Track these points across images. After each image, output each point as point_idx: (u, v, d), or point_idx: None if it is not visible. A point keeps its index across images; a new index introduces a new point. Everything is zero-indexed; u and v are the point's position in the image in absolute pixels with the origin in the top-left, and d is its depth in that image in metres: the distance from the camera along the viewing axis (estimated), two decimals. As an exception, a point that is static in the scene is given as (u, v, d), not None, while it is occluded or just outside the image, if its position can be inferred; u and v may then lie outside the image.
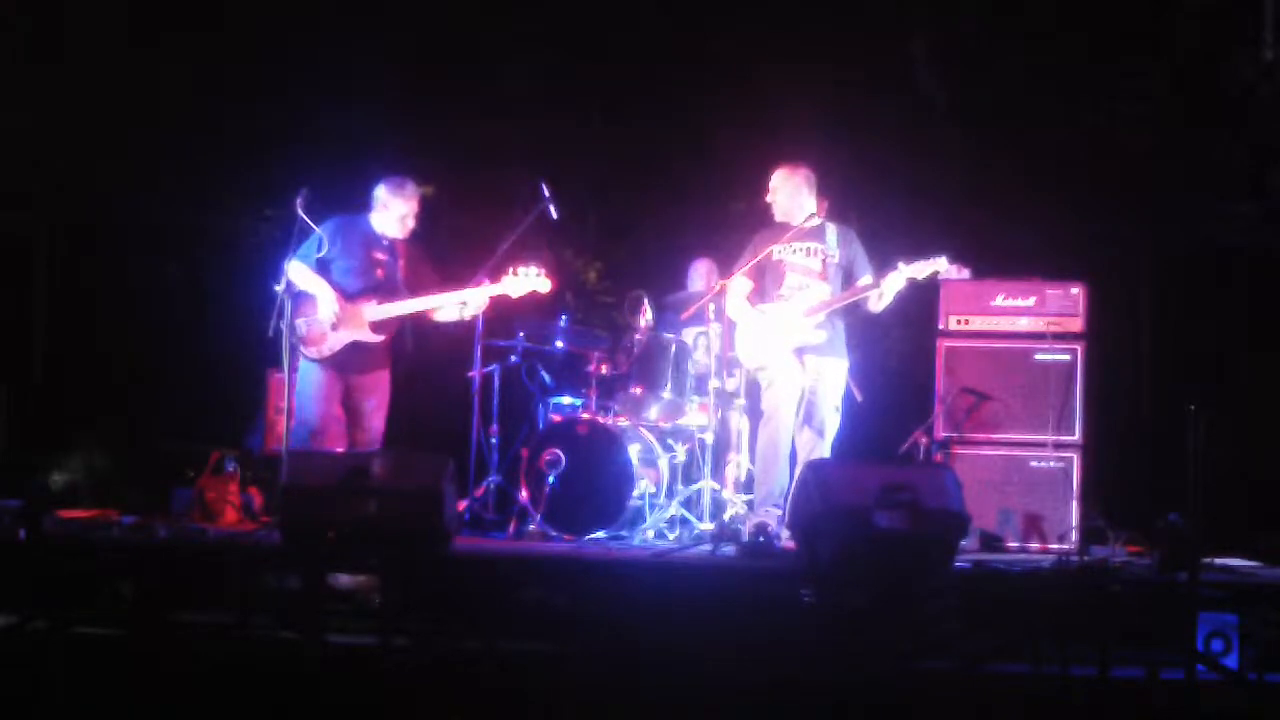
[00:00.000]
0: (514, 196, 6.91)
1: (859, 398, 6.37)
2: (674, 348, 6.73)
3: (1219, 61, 7.22)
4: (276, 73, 7.69)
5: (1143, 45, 7.32)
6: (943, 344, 6.47)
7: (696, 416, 6.71)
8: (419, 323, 6.33)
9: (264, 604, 4.93)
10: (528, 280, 6.23)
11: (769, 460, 6.11)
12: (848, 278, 6.25)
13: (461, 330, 6.73)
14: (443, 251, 6.24)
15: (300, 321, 6.05)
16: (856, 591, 4.80)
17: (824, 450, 6.14)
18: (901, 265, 6.03)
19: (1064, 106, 7.39)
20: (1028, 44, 7.45)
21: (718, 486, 6.44)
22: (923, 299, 6.42)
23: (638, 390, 6.76)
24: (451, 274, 6.43)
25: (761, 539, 5.73)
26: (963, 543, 5.12)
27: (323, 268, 6.11)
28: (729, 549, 5.73)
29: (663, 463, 6.60)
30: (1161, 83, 7.31)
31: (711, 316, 6.43)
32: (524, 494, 6.46)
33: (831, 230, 6.26)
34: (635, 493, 6.36)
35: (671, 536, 6.38)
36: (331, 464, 5.22)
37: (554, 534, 6.32)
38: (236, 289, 7.22)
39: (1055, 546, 6.12)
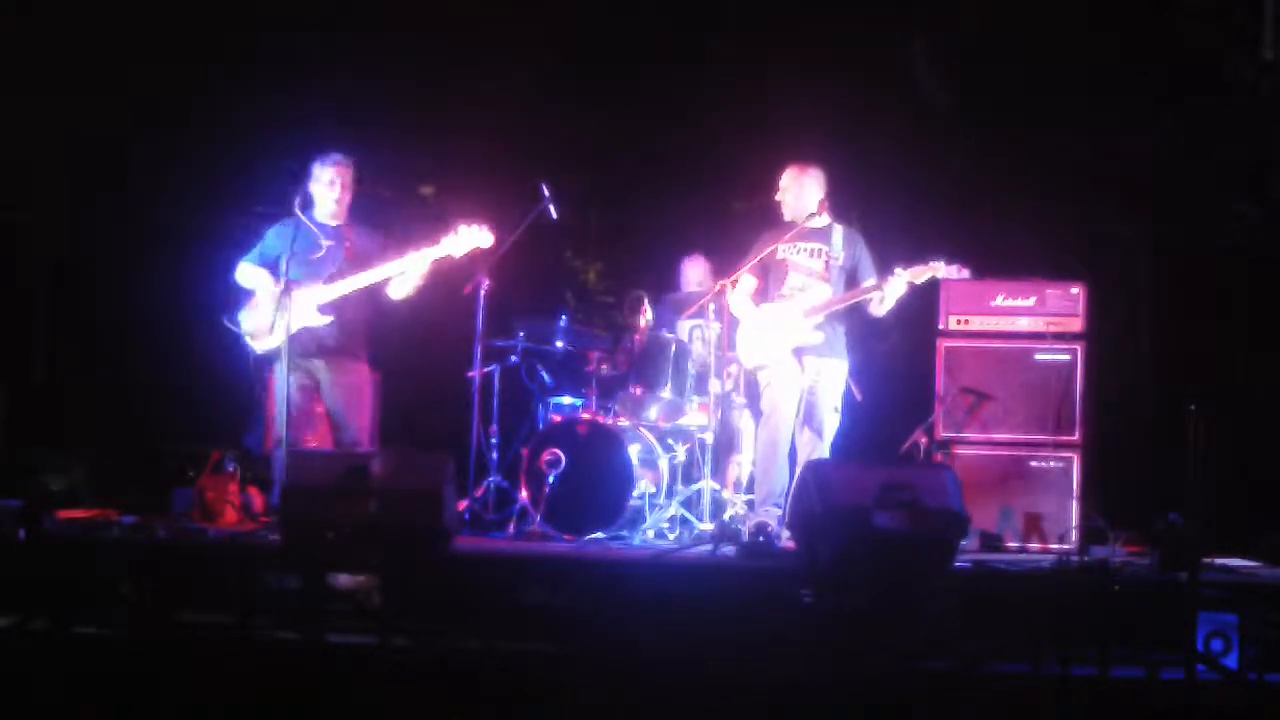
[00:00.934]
0: (514, 197, 6.90)
1: (859, 397, 6.38)
2: (674, 347, 6.73)
3: (1219, 61, 7.22)
4: (275, 71, 7.69)
5: (1143, 45, 7.32)
6: (943, 344, 6.47)
7: (696, 416, 6.71)
8: (381, 304, 6.18)
9: (264, 604, 4.93)
10: (469, 237, 6.03)
11: (768, 460, 6.12)
12: (851, 280, 6.25)
13: (461, 330, 6.74)
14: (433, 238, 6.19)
15: (242, 314, 6.05)
16: (856, 591, 4.81)
17: (823, 450, 6.15)
18: (899, 270, 6.04)
19: (1064, 106, 7.39)
20: (1028, 44, 7.45)
21: (718, 486, 6.44)
22: (923, 299, 6.42)
23: (638, 390, 6.76)
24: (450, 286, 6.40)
25: (761, 539, 5.73)
26: (963, 543, 5.12)
27: (270, 267, 6.07)
28: (729, 549, 5.73)
29: (663, 463, 6.60)
30: (1161, 83, 7.30)
31: (712, 315, 6.43)
32: (524, 494, 6.46)
33: (838, 232, 6.26)
34: (635, 493, 6.36)
35: (671, 536, 6.38)
36: (331, 464, 5.22)
37: (554, 534, 6.32)
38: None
39: (1055, 546, 6.12)
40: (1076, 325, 6.42)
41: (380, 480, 5.03)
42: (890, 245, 6.34)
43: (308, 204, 6.13)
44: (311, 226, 6.12)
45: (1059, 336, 6.41)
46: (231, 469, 6.74)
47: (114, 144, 7.69)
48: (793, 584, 4.97)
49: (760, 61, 7.71)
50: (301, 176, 6.19)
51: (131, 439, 7.47)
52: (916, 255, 6.10)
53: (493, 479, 6.77)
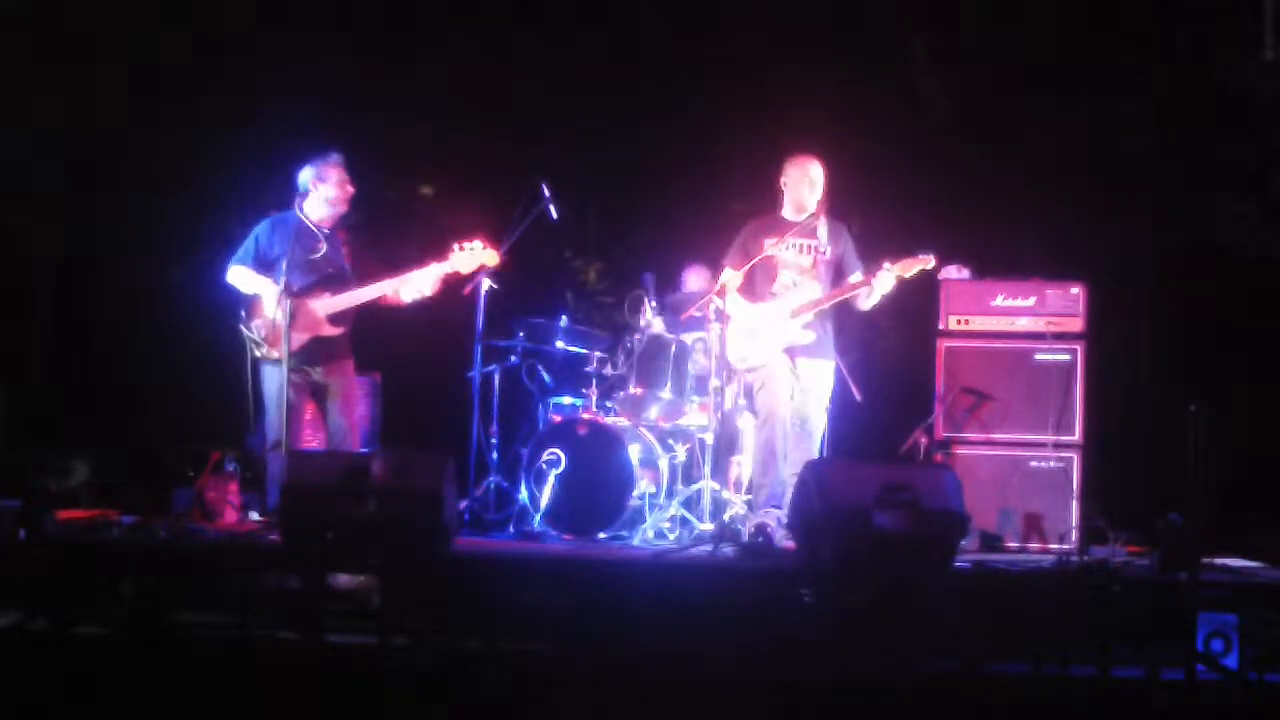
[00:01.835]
0: (514, 197, 6.90)
1: (858, 397, 6.36)
2: (674, 348, 6.73)
3: (1219, 61, 7.22)
4: (277, 72, 7.68)
5: (1143, 45, 7.32)
6: (943, 344, 6.48)
7: (696, 416, 6.72)
8: (378, 309, 6.22)
9: (264, 604, 4.93)
10: (475, 255, 6.10)
11: (766, 460, 6.11)
12: (838, 274, 6.24)
13: (461, 330, 6.73)
14: (442, 252, 6.19)
15: (256, 324, 6.06)
16: (856, 591, 4.81)
17: (813, 450, 6.13)
18: (887, 264, 6.02)
19: (1064, 106, 7.39)
20: (1028, 44, 7.45)
21: (718, 486, 6.43)
22: (923, 299, 6.42)
23: (638, 390, 6.76)
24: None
25: (761, 539, 5.74)
26: (963, 543, 5.12)
27: (267, 269, 6.07)
28: (729, 549, 5.73)
29: (663, 463, 6.60)
30: (1161, 83, 7.30)
31: (712, 317, 6.42)
32: (524, 494, 6.46)
33: (824, 225, 6.23)
34: (635, 493, 6.36)
35: (671, 536, 6.37)
36: (331, 464, 5.22)
37: (554, 534, 6.32)
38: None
39: (1055, 546, 6.12)
40: (1076, 325, 6.42)
41: (380, 480, 5.03)
42: (889, 245, 6.33)
43: (304, 203, 6.13)
44: (310, 226, 6.13)
45: (1059, 336, 6.41)
46: (231, 469, 6.75)
47: (114, 144, 7.68)
48: (793, 584, 4.97)
49: (761, 62, 7.70)
50: (297, 174, 6.19)
51: (131, 439, 7.47)
52: (913, 253, 6.08)
53: (493, 479, 6.77)
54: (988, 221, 7.35)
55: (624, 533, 6.38)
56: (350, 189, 6.20)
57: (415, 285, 6.09)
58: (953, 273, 6.14)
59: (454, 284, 6.32)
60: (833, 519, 4.89)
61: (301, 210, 6.15)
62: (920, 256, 6.02)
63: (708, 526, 6.22)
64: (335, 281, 6.12)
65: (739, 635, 4.68)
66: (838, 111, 7.38)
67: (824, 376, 6.19)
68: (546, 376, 7.15)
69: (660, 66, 7.96)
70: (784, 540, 5.74)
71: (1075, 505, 6.23)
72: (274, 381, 6.02)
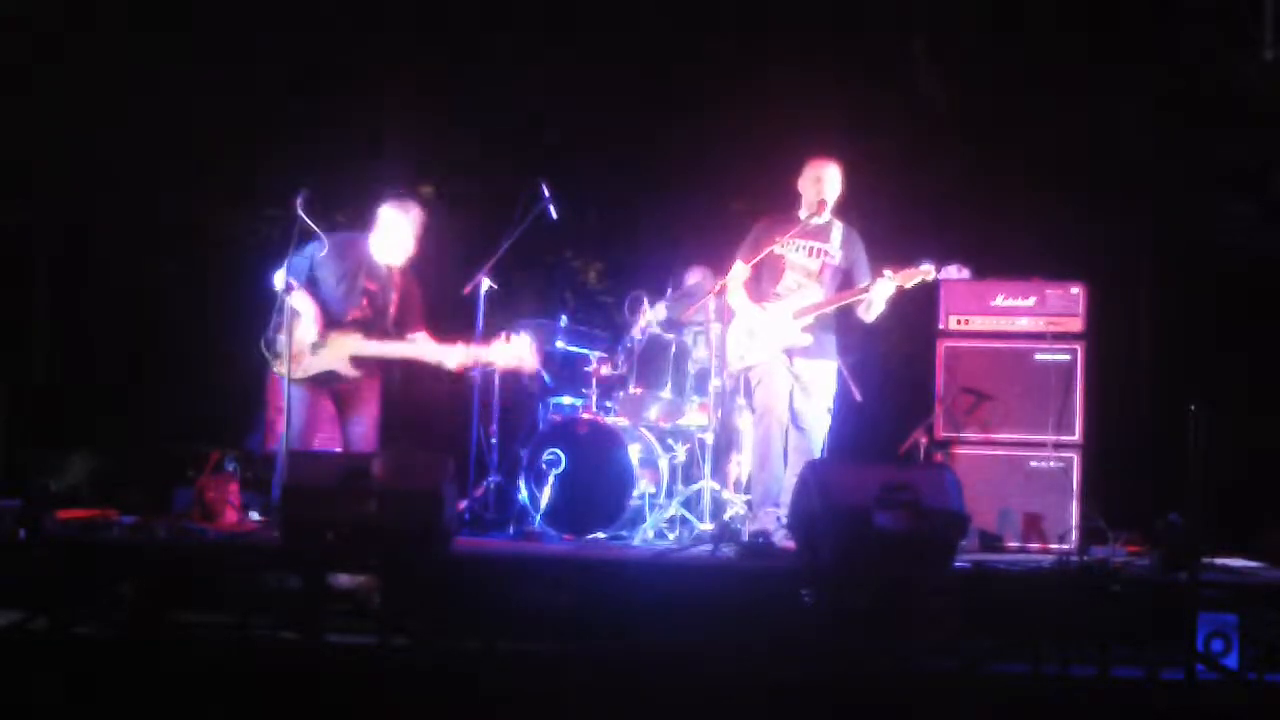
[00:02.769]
0: (514, 196, 6.90)
1: (858, 397, 6.37)
2: (674, 348, 6.73)
3: (1219, 61, 7.22)
4: (278, 72, 7.69)
5: (1143, 45, 7.32)
6: (943, 344, 6.48)
7: (696, 416, 6.72)
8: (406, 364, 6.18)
9: (264, 604, 4.93)
10: (516, 350, 5.99)
11: (764, 460, 6.09)
12: (846, 281, 6.21)
13: (462, 330, 6.73)
14: (442, 252, 6.19)
15: (283, 340, 5.89)
16: (856, 591, 4.81)
17: (815, 451, 6.13)
18: (888, 273, 5.99)
19: (1064, 106, 7.39)
20: (1028, 44, 7.45)
21: (718, 486, 6.43)
22: (923, 299, 6.42)
23: (638, 390, 6.76)
24: (450, 287, 6.37)
25: (761, 539, 5.73)
26: (963, 543, 5.12)
27: (312, 283, 5.94)
28: (729, 549, 5.73)
29: (663, 463, 6.60)
30: (1161, 83, 7.31)
31: (712, 315, 6.42)
32: (524, 494, 6.46)
33: (838, 230, 6.22)
34: (635, 493, 6.36)
35: (671, 536, 6.38)
36: (331, 464, 5.22)
37: (554, 534, 6.32)
38: (237, 289, 7.21)
39: (1055, 546, 6.12)
40: (1076, 325, 6.43)
41: (380, 480, 5.03)
42: (889, 245, 6.33)
43: (375, 236, 6.02)
44: (373, 261, 6.03)
45: (1059, 336, 6.41)
46: (231, 469, 6.75)
47: (116, 143, 7.69)
48: (793, 584, 4.97)
49: (761, 61, 7.71)
50: (369, 206, 6.07)
51: (131, 439, 7.48)
52: (915, 255, 6.07)
53: (493, 479, 6.77)
54: (988, 221, 7.35)
55: (624, 533, 6.38)
56: (414, 243, 6.04)
57: (445, 359, 5.98)
58: (953, 273, 6.13)
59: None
60: (833, 519, 4.89)
61: (369, 243, 6.04)
62: (921, 267, 6.00)
63: (708, 526, 6.22)
64: (374, 327, 5.98)
65: (739, 635, 4.67)
66: (838, 111, 7.39)
67: (826, 377, 6.17)
68: (546, 376, 7.15)
69: (660, 66, 7.96)
70: (784, 540, 5.74)
71: (1075, 505, 6.23)
72: (294, 396, 5.88)
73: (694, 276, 7.35)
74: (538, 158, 7.62)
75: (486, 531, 6.64)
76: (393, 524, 4.98)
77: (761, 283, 6.22)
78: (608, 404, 6.80)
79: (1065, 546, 6.09)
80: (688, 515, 6.42)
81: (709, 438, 6.42)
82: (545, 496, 6.35)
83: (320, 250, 5.85)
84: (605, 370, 6.85)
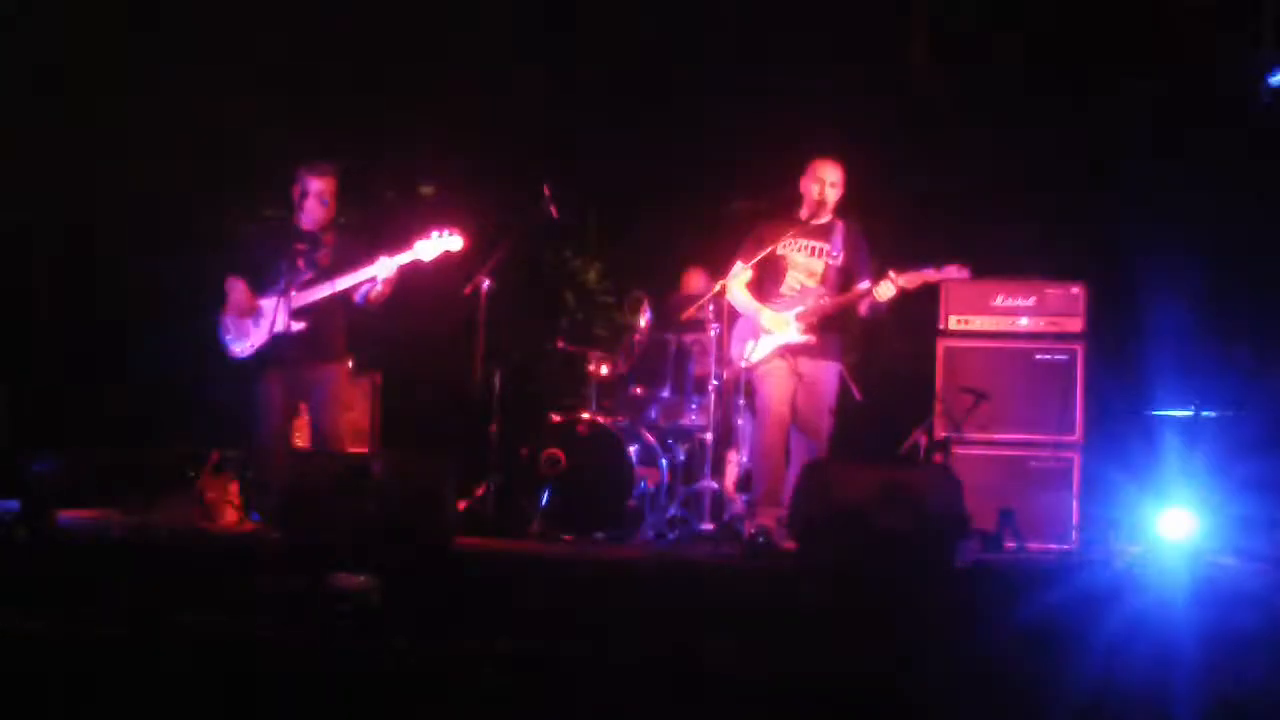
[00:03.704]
0: (514, 197, 6.90)
1: (859, 397, 6.37)
2: (674, 347, 6.73)
3: (1219, 61, 7.22)
4: (278, 71, 7.69)
5: (1143, 45, 7.32)
6: (943, 344, 6.48)
7: (696, 416, 6.72)
8: (359, 308, 6.18)
9: (264, 604, 4.93)
10: (439, 242, 6.03)
11: (764, 459, 6.09)
12: (848, 280, 6.22)
13: (462, 330, 6.74)
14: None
15: (223, 321, 6.09)
16: (856, 591, 4.81)
17: (819, 452, 6.13)
18: (892, 274, 5.99)
19: (1064, 106, 7.39)
20: (1028, 44, 7.45)
21: (718, 486, 6.44)
22: (923, 299, 6.42)
23: (638, 390, 6.76)
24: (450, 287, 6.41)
25: (761, 539, 5.74)
26: (963, 543, 5.12)
27: (255, 272, 6.08)
28: (729, 549, 5.73)
29: (663, 463, 6.60)
30: (1161, 83, 7.30)
31: (711, 318, 6.42)
32: (524, 494, 6.46)
33: (839, 229, 6.21)
34: (635, 493, 6.36)
35: (671, 536, 6.38)
36: (331, 464, 5.22)
37: (554, 534, 6.32)
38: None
39: (1055, 546, 6.12)
40: (1076, 325, 6.43)
41: (380, 480, 5.03)
42: (889, 245, 6.34)
43: (296, 211, 6.15)
44: (298, 231, 6.14)
45: (1059, 336, 6.42)
46: (231, 469, 6.75)
47: (116, 143, 7.69)
48: (793, 584, 4.97)
49: (760, 61, 7.70)
50: (289, 183, 6.19)
51: (131, 439, 7.48)
52: (915, 255, 6.08)
53: (492, 479, 6.77)
54: (988, 221, 7.35)
55: (624, 533, 6.38)
56: (329, 198, 6.14)
57: (373, 278, 6.00)
58: (953, 273, 6.14)
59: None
60: (833, 519, 4.89)
61: (293, 215, 6.17)
62: (924, 271, 5.99)
63: (708, 526, 6.23)
64: (306, 281, 6.06)
65: (739, 635, 4.68)
66: (838, 111, 7.39)
67: (828, 377, 6.17)
68: (547, 375, 7.15)
69: (661, 66, 7.96)
70: (784, 540, 5.74)
71: (1075, 505, 6.23)
72: (256, 388, 6.03)
73: (693, 277, 7.36)
74: (538, 158, 7.61)
75: (486, 532, 6.64)
76: (393, 524, 4.98)
77: (764, 284, 6.22)
78: (608, 404, 6.80)
79: (1065, 546, 6.09)
80: (688, 515, 6.42)
81: (709, 438, 6.43)
82: (545, 497, 6.34)
83: (251, 242, 6.17)
84: (605, 370, 6.85)
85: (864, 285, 6.13)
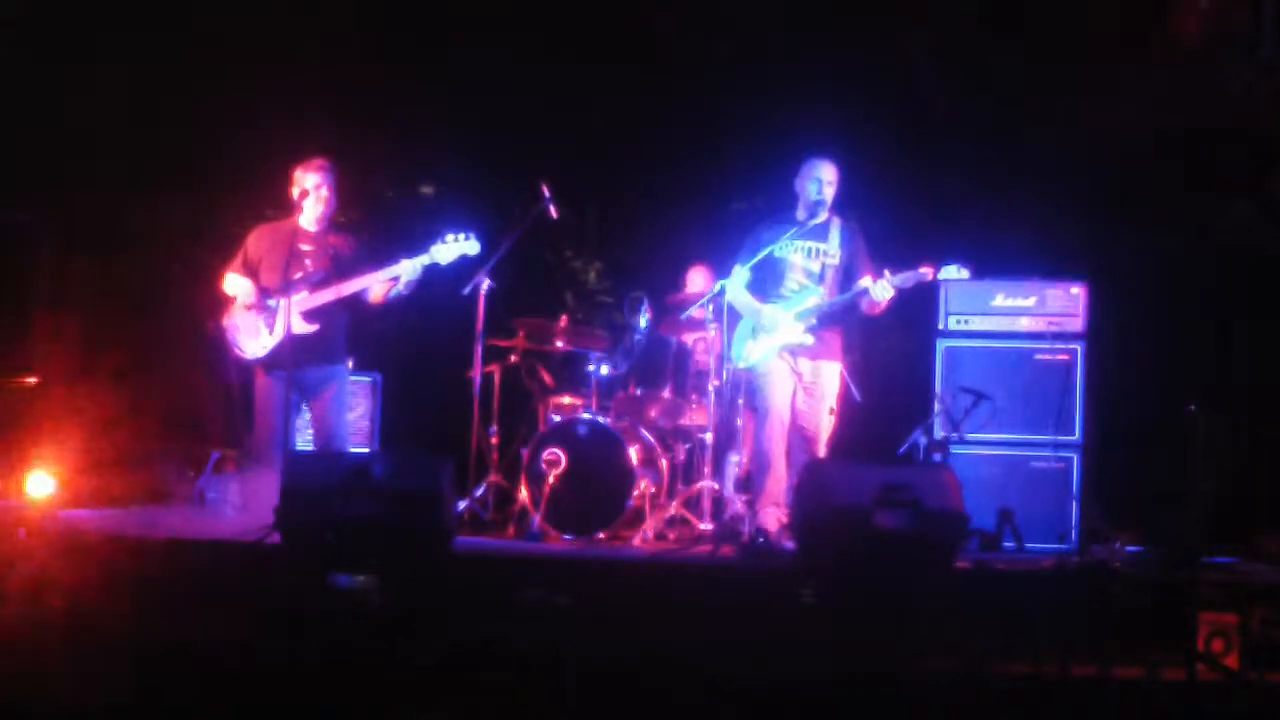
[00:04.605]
0: (514, 197, 6.90)
1: (858, 397, 6.36)
2: (674, 348, 6.73)
3: (1219, 61, 7.22)
4: (278, 71, 7.69)
5: (1143, 45, 7.32)
6: (943, 344, 6.48)
7: (696, 416, 6.72)
8: (360, 308, 6.19)
9: (265, 606, 4.93)
10: (455, 246, 6.04)
11: (765, 460, 6.09)
12: (847, 278, 6.21)
13: (461, 330, 6.74)
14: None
15: (227, 323, 6.08)
16: (856, 591, 4.81)
17: (819, 452, 6.13)
18: (888, 274, 5.99)
19: (1064, 106, 7.39)
20: (1028, 44, 7.45)
21: (717, 486, 6.44)
22: (923, 299, 6.42)
23: (638, 390, 6.76)
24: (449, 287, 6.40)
25: (761, 539, 5.74)
26: (963, 543, 5.12)
27: (255, 273, 6.10)
28: (729, 549, 5.73)
29: (663, 463, 6.60)
30: (1161, 83, 7.30)
31: (711, 317, 6.42)
32: (524, 494, 6.46)
33: (836, 228, 6.21)
34: (635, 493, 6.37)
35: (671, 536, 6.38)
36: (331, 464, 5.22)
37: (554, 534, 6.32)
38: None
39: (1055, 546, 6.12)
40: (1076, 325, 6.43)
41: (380, 480, 5.03)
42: (889, 245, 6.33)
43: (293, 209, 6.15)
44: (299, 229, 6.14)
45: (1059, 336, 6.42)
46: (231, 469, 6.75)
47: (116, 143, 7.69)
48: (793, 584, 4.97)
49: (760, 61, 7.70)
50: (286, 182, 6.20)
51: (132, 439, 7.47)
52: (915, 255, 6.08)
53: (493, 479, 6.77)
54: (988, 221, 7.35)
55: (624, 533, 6.39)
56: (329, 196, 6.16)
57: (392, 280, 6.04)
58: (953, 273, 6.13)
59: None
60: (833, 519, 4.89)
61: (296, 219, 6.16)
62: (920, 270, 5.98)
63: (708, 526, 6.23)
64: (316, 281, 6.06)
65: (739, 635, 4.68)
66: (838, 111, 7.38)
67: (829, 378, 6.16)
68: (546, 376, 7.15)
69: (660, 66, 7.96)
70: (784, 540, 5.74)
71: (1075, 505, 6.23)
72: (262, 392, 6.03)
73: (694, 277, 7.36)
74: (538, 158, 7.61)
75: (486, 531, 6.65)
76: (393, 524, 4.98)
77: (763, 284, 6.22)
78: (608, 404, 6.80)
79: (1065, 546, 6.09)
80: (688, 515, 6.42)
81: (709, 438, 6.42)
82: (545, 496, 6.34)
83: (250, 243, 6.14)
84: (605, 370, 6.85)
85: (866, 282, 6.12)
